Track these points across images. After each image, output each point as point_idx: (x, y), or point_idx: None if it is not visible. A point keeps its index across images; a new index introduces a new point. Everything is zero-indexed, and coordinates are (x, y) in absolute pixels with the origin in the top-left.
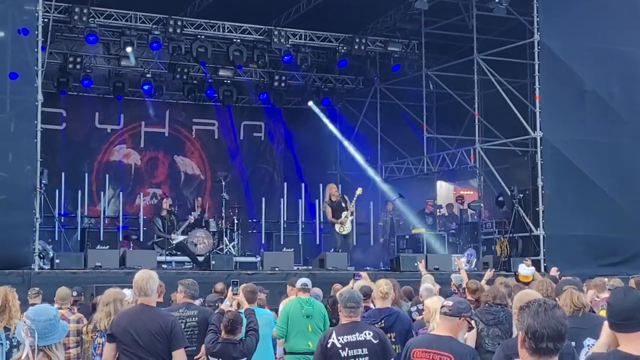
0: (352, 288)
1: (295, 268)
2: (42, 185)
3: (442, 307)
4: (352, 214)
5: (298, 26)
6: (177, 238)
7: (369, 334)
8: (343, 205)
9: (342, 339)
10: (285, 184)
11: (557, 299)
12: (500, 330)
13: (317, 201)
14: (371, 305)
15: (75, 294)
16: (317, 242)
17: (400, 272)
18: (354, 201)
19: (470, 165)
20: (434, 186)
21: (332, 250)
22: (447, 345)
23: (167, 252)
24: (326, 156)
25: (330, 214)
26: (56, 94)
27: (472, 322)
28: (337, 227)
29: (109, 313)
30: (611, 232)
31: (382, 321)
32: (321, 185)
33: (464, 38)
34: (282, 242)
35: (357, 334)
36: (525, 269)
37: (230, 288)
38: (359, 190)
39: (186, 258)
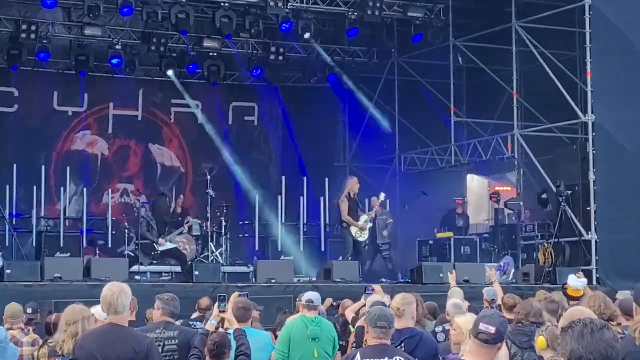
0: (365, 306)
1: (296, 280)
2: None
3: (480, 332)
4: (371, 221)
5: None
6: (165, 245)
7: (400, 359)
8: (359, 206)
9: None
10: (284, 178)
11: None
12: (537, 355)
13: (322, 199)
14: None
15: (29, 311)
16: (322, 249)
17: (423, 284)
18: (374, 211)
19: (507, 155)
20: (464, 181)
21: (341, 258)
22: None
23: (150, 261)
24: (333, 145)
25: (346, 212)
26: (6, 70)
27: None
28: (354, 230)
29: (74, 334)
30: None
31: (402, 345)
32: (327, 180)
33: (500, 1)
34: (279, 249)
35: (386, 359)
36: (576, 281)
37: (217, 304)
38: (382, 196)
39: (166, 268)
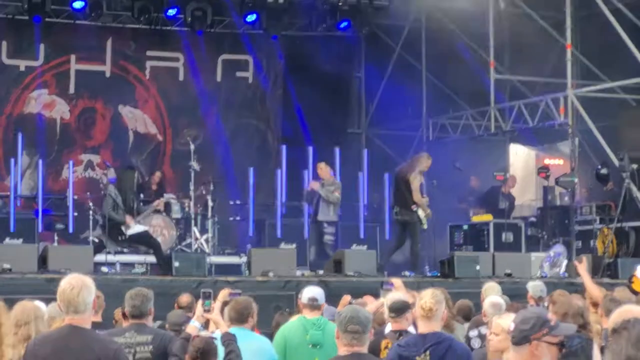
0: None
1: (299, 273)
2: None
3: (509, 330)
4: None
5: None
6: (134, 227)
7: None
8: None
9: None
10: (285, 147)
11: None
12: None
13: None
14: (410, 329)
15: None
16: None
17: (455, 279)
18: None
19: (559, 121)
20: (506, 152)
21: (394, 247)
22: None
23: (116, 248)
24: (345, 107)
25: (418, 191)
26: None
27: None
28: (422, 213)
29: (25, 337)
30: None
31: (428, 352)
32: (338, 150)
33: None
34: (279, 235)
35: None
36: None
37: (201, 302)
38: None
39: (139, 257)
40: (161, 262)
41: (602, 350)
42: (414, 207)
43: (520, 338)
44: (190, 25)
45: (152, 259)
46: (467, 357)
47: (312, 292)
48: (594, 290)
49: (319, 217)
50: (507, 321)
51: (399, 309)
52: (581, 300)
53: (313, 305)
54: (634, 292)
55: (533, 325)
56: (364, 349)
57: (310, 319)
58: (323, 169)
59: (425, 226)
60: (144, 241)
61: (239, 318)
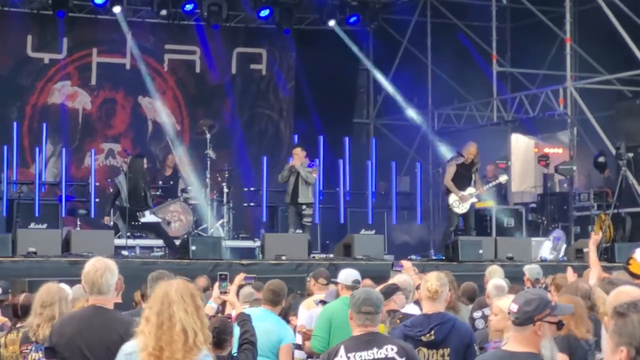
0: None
1: (311, 256)
2: None
3: (509, 312)
4: (477, 197)
5: None
6: (147, 216)
7: (392, 349)
8: (473, 175)
9: (354, 357)
10: (296, 137)
11: None
12: (588, 345)
13: (340, 161)
14: (411, 310)
15: None
16: (342, 221)
17: (459, 262)
18: (491, 185)
19: (558, 112)
20: (508, 141)
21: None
22: None
23: (128, 231)
24: (354, 98)
25: (449, 176)
26: None
27: (556, 318)
28: (451, 198)
29: (51, 317)
30: None
31: (432, 332)
32: (347, 139)
33: None
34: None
35: (374, 350)
36: None
37: (217, 284)
38: (504, 178)
39: (156, 242)
40: (174, 248)
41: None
42: (446, 192)
43: (525, 319)
44: (207, 20)
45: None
46: (470, 336)
47: (353, 274)
48: (596, 267)
49: (300, 199)
50: (506, 302)
51: (386, 292)
52: (587, 283)
53: (356, 287)
54: (632, 274)
55: (537, 307)
56: (377, 329)
57: None
58: (299, 153)
59: (458, 210)
60: (154, 230)
61: (274, 299)
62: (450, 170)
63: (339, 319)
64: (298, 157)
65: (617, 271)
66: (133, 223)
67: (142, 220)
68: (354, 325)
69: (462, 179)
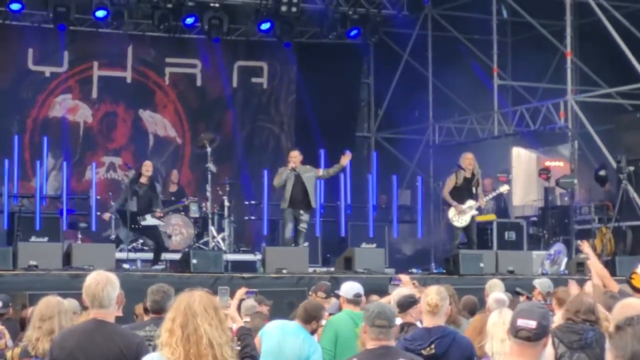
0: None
1: (311, 270)
2: None
3: (520, 329)
4: (478, 209)
5: None
6: (148, 219)
7: None
8: (474, 189)
9: None
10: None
11: None
12: (588, 357)
13: (341, 175)
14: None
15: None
16: (343, 234)
17: (460, 275)
18: (492, 196)
19: (559, 125)
20: (509, 154)
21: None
22: None
23: (126, 233)
24: (355, 112)
25: (446, 189)
26: None
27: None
28: (451, 212)
29: (50, 331)
30: None
31: (433, 345)
32: (349, 153)
33: None
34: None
35: None
36: None
37: (218, 298)
38: (505, 188)
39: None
40: (157, 260)
41: None
42: (445, 207)
43: (544, 332)
44: (208, 33)
45: (170, 256)
46: (471, 349)
47: (355, 288)
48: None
49: (297, 204)
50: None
51: (403, 305)
52: (590, 297)
53: (357, 300)
54: (634, 289)
55: (549, 322)
56: (391, 342)
57: (357, 312)
58: (297, 156)
59: (457, 224)
60: (153, 235)
61: (306, 318)
62: (449, 183)
63: (344, 332)
64: (297, 160)
65: (620, 284)
66: (133, 226)
67: (144, 223)
68: (367, 338)
69: (462, 191)
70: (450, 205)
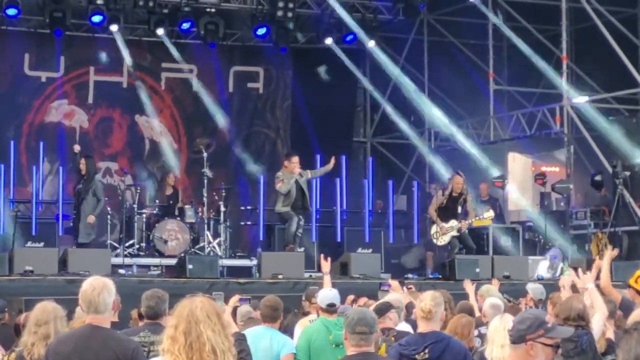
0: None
1: (307, 275)
2: None
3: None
4: (458, 230)
5: None
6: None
7: None
8: (459, 207)
9: None
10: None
11: None
12: None
13: (337, 180)
14: (403, 328)
15: None
16: (339, 239)
17: (456, 281)
18: (473, 220)
19: (555, 130)
20: (505, 159)
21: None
22: None
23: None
24: (351, 117)
25: (432, 207)
26: None
27: (552, 340)
28: (433, 229)
29: (46, 336)
30: None
31: (427, 350)
32: (344, 158)
33: None
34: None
35: None
36: None
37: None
38: (490, 214)
39: (153, 260)
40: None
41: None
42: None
43: (517, 337)
44: (204, 39)
45: (167, 262)
46: (464, 354)
47: (328, 297)
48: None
49: (300, 207)
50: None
51: (380, 310)
52: (581, 302)
53: (331, 310)
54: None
55: (529, 326)
56: (371, 348)
57: (331, 319)
58: (297, 162)
59: (438, 242)
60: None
61: (272, 315)
62: (435, 201)
63: (317, 341)
64: (297, 166)
65: (616, 289)
66: None
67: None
68: (348, 345)
69: (447, 210)
70: (433, 222)
